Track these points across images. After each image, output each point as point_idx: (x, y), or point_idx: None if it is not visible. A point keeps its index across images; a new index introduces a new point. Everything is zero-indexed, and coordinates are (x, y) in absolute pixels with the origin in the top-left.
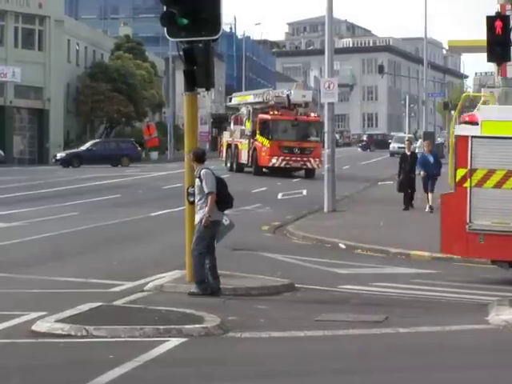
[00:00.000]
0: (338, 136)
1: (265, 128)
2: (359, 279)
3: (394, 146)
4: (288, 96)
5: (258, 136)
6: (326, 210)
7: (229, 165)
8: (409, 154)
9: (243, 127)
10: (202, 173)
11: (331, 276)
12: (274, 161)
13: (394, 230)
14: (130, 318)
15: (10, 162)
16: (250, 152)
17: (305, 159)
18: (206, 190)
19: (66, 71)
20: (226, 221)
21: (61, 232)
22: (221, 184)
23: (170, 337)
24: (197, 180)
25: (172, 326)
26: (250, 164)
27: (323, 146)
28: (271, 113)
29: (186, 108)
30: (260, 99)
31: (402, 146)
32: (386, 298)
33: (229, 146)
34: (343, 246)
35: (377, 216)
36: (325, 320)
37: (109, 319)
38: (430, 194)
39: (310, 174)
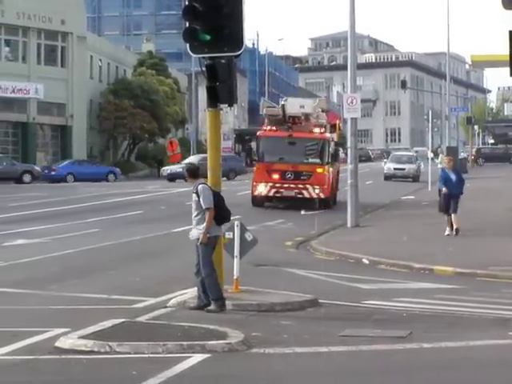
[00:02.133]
0: (370, 152)
1: (255, 148)
2: (383, 294)
3: (389, 166)
4: (283, 107)
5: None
6: (349, 225)
7: None
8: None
9: None
10: (198, 188)
11: (355, 291)
12: (260, 189)
13: (417, 245)
14: (153, 334)
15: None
16: None
17: (300, 186)
18: (203, 206)
19: (88, 87)
20: (249, 236)
21: (83, 249)
22: (218, 198)
23: (193, 353)
24: (194, 195)
25: (195, 342)
26: None
27: (330, 167)
28: (264, 129)
29: (209, 124)
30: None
31: (401, 167)
32: (409, 314)
33: None
34: (366, 262)
35: (400, 231)
36: (349, 335)
37: (132, 335)
38: (452, 215)
39: (323, 203)
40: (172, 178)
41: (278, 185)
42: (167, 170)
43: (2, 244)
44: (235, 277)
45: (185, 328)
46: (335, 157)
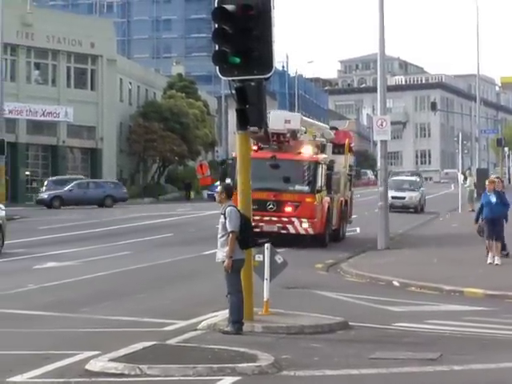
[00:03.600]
0: None
1: (231, 173)
2: (413, 317)
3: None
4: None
5: None
6: (379, 247)
7: None
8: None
9: None
10: (227, 210)
11: (385, 314)
12: None
13: (447, 268)
14: (184, 356)
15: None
16: None
17: (284, 220)
18: (228, 228)
19: (118, 110)
20: (279, 259)
21: (113, 271)
22: (245, 223)
23: (223, 375)
24: (221, 217)
25: (225, 365)
26: None
27: (324, 195)
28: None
29: (239, 147)
30: None
31: (401, 195)
32: (439, 336)
33: None
34: (397, 284)
35: (430, 253)
36: (379, 358)
37: (162, 358)
38: (495, 242)
39: (314, 241)
40: (48, 204)
41: (257, 217)
42: (44, 194)
43: (32, 267)
44: (265, 299)
45: (215, 351)
46: (329, 182)
